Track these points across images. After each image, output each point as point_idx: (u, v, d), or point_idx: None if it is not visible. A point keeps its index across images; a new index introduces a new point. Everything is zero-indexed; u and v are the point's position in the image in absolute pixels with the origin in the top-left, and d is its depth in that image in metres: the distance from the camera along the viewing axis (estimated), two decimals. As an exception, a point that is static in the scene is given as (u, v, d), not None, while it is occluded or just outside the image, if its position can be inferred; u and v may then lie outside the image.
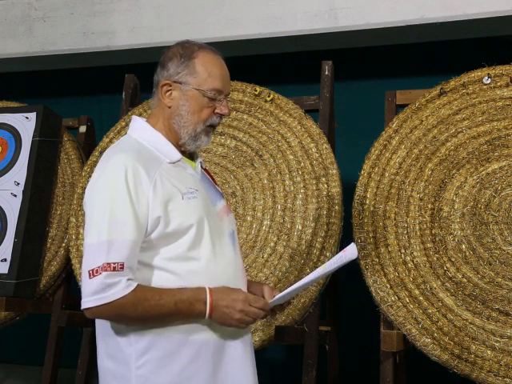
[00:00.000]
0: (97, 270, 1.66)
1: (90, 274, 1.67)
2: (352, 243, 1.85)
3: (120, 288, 1.66)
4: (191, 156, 1.94)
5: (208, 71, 1.84)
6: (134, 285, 1.68)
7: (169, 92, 1.85)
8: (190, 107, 1.84)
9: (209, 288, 1.76)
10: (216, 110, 1.87)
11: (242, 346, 1.87)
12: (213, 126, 1.90)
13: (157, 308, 1.70)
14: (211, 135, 1.91)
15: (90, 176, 1.84)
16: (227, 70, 1.90)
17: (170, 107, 1.86)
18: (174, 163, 1.84)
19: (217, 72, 1.86)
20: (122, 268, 1.67)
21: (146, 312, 1.69)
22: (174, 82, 1.84)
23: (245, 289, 1.90)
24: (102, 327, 1.83)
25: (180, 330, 1.76)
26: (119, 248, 1.67)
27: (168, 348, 1.75)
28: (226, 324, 1.78)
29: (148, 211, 1.72)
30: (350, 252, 1.83)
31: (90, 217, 1.74)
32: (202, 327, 1.78)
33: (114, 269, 1.66)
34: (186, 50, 1.86)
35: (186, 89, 1.84)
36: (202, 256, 1.79)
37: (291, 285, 1.88)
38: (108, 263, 1.66)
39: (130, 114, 3.46)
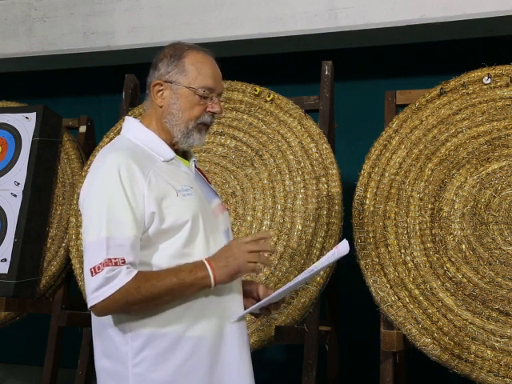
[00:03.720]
0: (99, 267, 1.67)
1: (91, 271, 1.68)
2: (344, 239, 1.87)
3: (121, 277, 1.66)
4: (185, 155, 1.96)
5: (198, 69, 1.86)
6: (135, 272, 1.69)
7: (160, 92, 1.87)
8: (180, 105, 1.86)
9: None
10: (208, 108, 1.88)
11: (239, 342, 1.87)
12: (205, 125, 1.91)
13: (159, 285, 1.70)
14: (204, 133, 1.91)
15: (88, 176, 1.85)
16: (219, 70, 1.92)
17: (161, 107, 1.88)
18: (167, 161, 1.86)
19: (207, 70, 1.87)
20: (124, 262, 1.68)
21: (150, 292, 1.69)
22: (165, 81, 1.86)
23: (239, 287, 1.92)
24: (98, 326, 1.83)
25: (176, 326, 1.76)
26: (120, 244, 1.68)
27: (164, 345, 1.75)
28: (237, 270, 1.77)
29: (144, 207, 1.73)
30: (343, 248, 1.84)
31: (87, 217, 1.75)
32: (198, 323, 1.78)
33: (116, 264, 1.67)
34: (176, 50, 1.88)
35: (176, 87, 1.85)
36: (197, 252, 1.80)
37: (286, 283, 1.89)
38: (109, 259, 1.67)
39: (129, 113, 3.47)
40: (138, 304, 1.70)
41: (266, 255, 1.84)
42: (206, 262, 1.76)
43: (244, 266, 1.78)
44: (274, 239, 3.01)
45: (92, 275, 1.67)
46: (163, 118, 1.87)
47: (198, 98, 1.86)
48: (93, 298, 1.68)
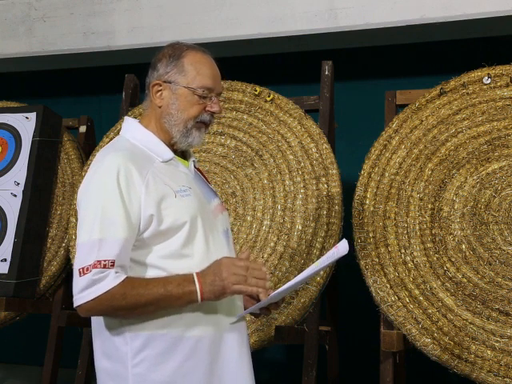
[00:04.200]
0: (87, 268, 1.67)
1: (80, 272, 1.68)
2: (343, 239, 1.86)
3: (108, 281, 1.66)
4: (184, 155, 1.96)
5: (197, 69, 1.86)
6: (123, 277, 1.69)
7: (159, 92, 1.87)
8: (179, 105, 1.85)
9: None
10: (207, 108, 1.88)
11: (239, 342, 1.86)
12: (204, 123, 1.90)
13: (146, 294, 1.69)
14: (203, 132, 1.91)
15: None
16: (217, 70, 1.92)
17: (160, 107, 1.88)
18: (166, 162, 1.86)
19: (206, 70, 1.87)
20: (113, 265, 1.68)
21: (135, 300, 1.69)
22: (164, 81, 1.86)
23: None
24: (98, 326, 1.83)
25: (176, 326, 1.76)
26: (110, 246, 1.68)
27: (164, 345, 1.75)
28: (223, 291, 1.74)
29: (140, 211, 1.73)
30: (342, 248, 1.84)
31: (82, 216, 1.76)
32: (198, 323, 1.78)
33: (105, 266, 1.67)
34: (175, 50, 1.88)
35: (175, 87, 1.85)
36: (196, 253, 1.80)
37: (286, 283, 1.89)
38: (98, 261, 1.67)
39: (129, 113, 3.47)
40: (123, 310, 1.70)
41: (267, 284, 1.79)
42: (195, 277, 1.73)
43: (229, 288, 1.74)
44: (274, 239, 3.01)
45: (80, 275, 1.68)
46: (162, 118, 1.87)
47: (197, 97, 1.86)
48: (78, 298, 1.69)
